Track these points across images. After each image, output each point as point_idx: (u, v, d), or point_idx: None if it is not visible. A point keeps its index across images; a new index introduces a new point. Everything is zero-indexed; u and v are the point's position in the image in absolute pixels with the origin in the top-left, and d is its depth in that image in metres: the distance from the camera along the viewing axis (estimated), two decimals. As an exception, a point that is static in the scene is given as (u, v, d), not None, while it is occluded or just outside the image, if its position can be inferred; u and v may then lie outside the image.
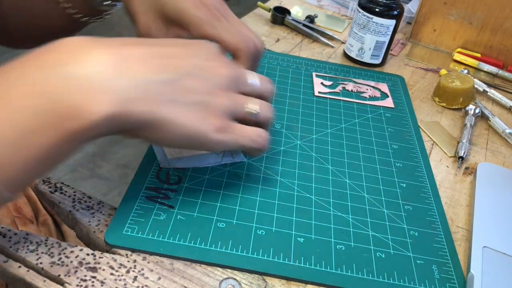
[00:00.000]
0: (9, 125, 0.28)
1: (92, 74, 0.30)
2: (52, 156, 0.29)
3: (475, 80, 0.66)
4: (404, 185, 0.46)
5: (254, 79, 0.39)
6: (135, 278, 0.34)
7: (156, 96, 0.32)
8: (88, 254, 0.35)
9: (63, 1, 0.46)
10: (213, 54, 0.38)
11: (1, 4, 0.47)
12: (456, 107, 0.61)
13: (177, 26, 0.42)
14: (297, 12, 0.81)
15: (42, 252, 0.34)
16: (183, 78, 0.34)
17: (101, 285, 0.33)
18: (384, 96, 0.61)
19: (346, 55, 0.70)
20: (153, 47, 0.35)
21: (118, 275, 0.34)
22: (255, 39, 0.42)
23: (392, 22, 0.64)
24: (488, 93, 0.65)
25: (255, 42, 0.42)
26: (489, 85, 0.68)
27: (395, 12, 0.64)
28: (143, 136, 0.33)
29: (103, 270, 0.34)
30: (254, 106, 0.37)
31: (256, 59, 0.43)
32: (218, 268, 0.36)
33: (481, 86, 0.66)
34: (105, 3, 0.47)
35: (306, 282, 0.36)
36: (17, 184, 0.29)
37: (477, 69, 0.72)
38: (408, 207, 0.44)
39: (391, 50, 0.74)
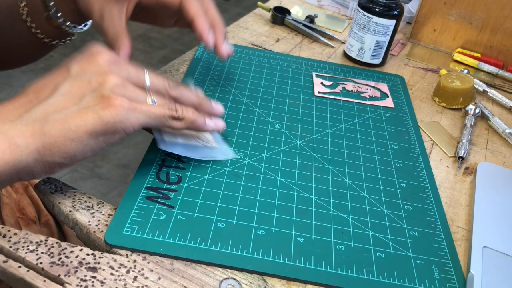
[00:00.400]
0: None
1: None
2: None
3: (475, 80, 0.66)
4: (404, 185, 0.46)
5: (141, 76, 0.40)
6: (135, 278, 0.34)
7: (37, 122, 0.34)
8: (88, 254, 0.35)
9: (29, 21, 0.48)
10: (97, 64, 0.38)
11: None
12: (456, 107, 0.61)
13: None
14: (297, 12, 0.81)
15: (42, 252, 0.34)
16: (56, 95, 0.35)
17: (101, 285, 0.33)
18: (384, 96, 0.61)
19: (346, 55, 0.70)
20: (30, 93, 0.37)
21: (118, 275, 0.34)
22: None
23: (392, 22, 0.64)
24: (488, 93, 0.65)
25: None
26: (489, 85, 0.68)
27: (395, 12, 0.64)
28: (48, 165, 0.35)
29: (103, 270, 0.34)
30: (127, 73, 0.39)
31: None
32: (218, 268, 0.36)
33: (481, 86, 0.66)
34: (66, 24, 0.49)
35: (306, 282, 0.36)
36: None
37: (477, 69, 0.72)
38: (408, 207, 0.44)
39: (391, 50, 0.74)
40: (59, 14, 0.47)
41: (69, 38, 0.51)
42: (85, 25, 0.51)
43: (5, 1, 0.47)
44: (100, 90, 0.35)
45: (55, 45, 0.52)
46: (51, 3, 0.46)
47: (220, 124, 0.43)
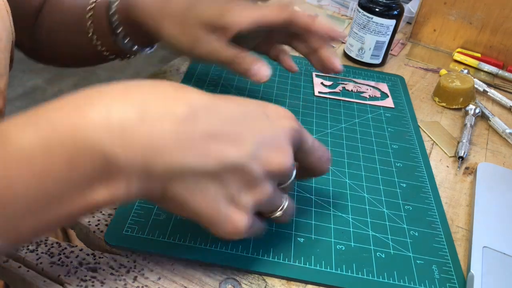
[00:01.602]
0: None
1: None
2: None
3: (475, 80, 0.66)
4: (404, 185, 0.46)
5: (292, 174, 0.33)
6: (135, 278, 0.34)
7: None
8: (88, 254, 0.35)
9: (95, 39, 0.47)
10: (279, 138, 0.30)
11: (42, 29, 0.50)
12: (456, 107, 0.61)
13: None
14: (297, 12, 0.81)
15: (42, 252, 0.34)
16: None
17: (101, 285, 0.33)
18: (384, 96, 0.61)
19: (346, 55, 0.70)
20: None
21: (118, 275, 0.34)
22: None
23: (392, 22, 0.64)
24: (488, 93, 0.65)
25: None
26: (489, 85, 0.68)
27: (395, 12, 0.64)
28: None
29: (103, 270, 0.34)
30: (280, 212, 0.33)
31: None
32: (218, 268, 0.36)
33: (481, 86, 0.66)
34: (133, 48, 0.48)
35: (306, 282, 0.36)
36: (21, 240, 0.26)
37: (477, 69, 0.72)
38: (408, 207, 0.44)
39: (391, 50, 0.74)
40: (126, 40, 0.47)
41: (133, 55, 0.51)
42: (151, 47, 0.51)
43: (73, 15, 0.47)
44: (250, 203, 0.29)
45: (114, 59, 0.51)
46: (119, 30, 0.45)
47: None
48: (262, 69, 0.44)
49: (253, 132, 0.28)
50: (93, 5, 0.47)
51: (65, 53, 0.53)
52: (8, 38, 0.38)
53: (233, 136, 0.27)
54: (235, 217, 0.29)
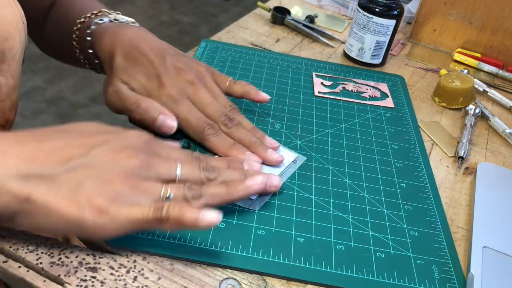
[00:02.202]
0: None
1: None
2: None
3: (475, 80, 0.66)
4: (404, 185, 0.46)
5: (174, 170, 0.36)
6: (135, 278, 0.34)
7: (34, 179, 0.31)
8: (88, 254, 0.35)
9: (78, 53, 0.52)
10: (131, 144, 0.35)
11: (46, 30, 0.57)
12: (456, 107, 0.61)
13: None
14: (297, 12, 0.81)
15: (42, 252, 0.34)
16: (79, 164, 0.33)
17: (101, 285, 0.33)
18: (384, 96, 0.61)
19: (346, 55, 0.70)
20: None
21: (118, 275, 0.34)
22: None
23: (392, 22, 0.64)
24: (488, 93, 0.65)
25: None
26: (489, 85, 0.68)
27: (395, 12, 0.64)
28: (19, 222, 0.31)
29: (103, 270, 0.34)
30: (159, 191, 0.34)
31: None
32: (218, 268, 0.36)
33: (481, 86, 0.66)
34: (93, 60, 0.52)
35: (306, 282, 0.36)
36: None
37: (477, 69, 0.72)
38: (408, 207, 0.44)
39: (391, 50, 0.74)
40: (96, 61, 0.51)
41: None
42: None
43: (66, 28, 0.52)
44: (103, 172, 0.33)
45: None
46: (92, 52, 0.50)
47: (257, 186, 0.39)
48: (166, 121, 0.43)
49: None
50: (79, 26, 0.51)
51: (61, 55, 0.59)
52: (22, 50, 0.40)
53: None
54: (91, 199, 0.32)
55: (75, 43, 0.51)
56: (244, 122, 0.47)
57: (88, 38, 0.49)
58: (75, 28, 0.51)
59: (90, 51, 0.50)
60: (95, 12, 0.51)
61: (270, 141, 0.46)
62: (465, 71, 0.67)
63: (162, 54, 0.47)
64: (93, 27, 0.49)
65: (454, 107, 0.61)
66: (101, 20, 0.49)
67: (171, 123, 0.43)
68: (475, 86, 0.65)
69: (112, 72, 0.46)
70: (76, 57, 0.53)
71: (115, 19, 0.50)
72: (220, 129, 0.45)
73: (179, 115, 0.44)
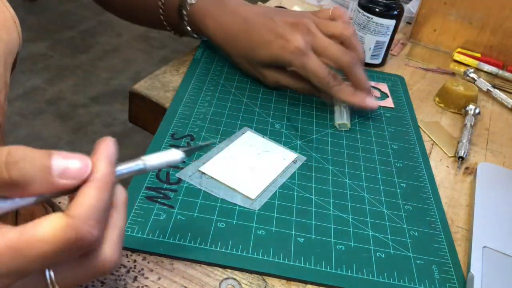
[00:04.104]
0: None
1: None
2: None
3: (479, 79, 0.67)
4: (404, 185, 0.46)
5: None
6: (135, 278, 0.34)
7: None
8: (88, 254, 0.35)
9: (164, 20, 0.57)
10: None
11: None
12: (453, 111, 0.61)
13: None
14: (297, 12, 0.81)
15: (42, 252, 0.34)
16: None
17: (101, 285, 0.33)
18: (384, 96, 0.61)
19: (346, 55, 0.70)
20: None
21: (118, 275, 0.34)
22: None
23: (392, 22, 0.64)
24: (492, 93, 0.65)
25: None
26: (493, 86, 0.68)
27: (395, 12, 0.64)
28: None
29: (103, 270, 0.34)
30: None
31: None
32: (218, 268, 0.36)
33: (485, 85, 0.66)
34: (194, 35, 0.58)
35: (306, 282, 0.36)
36: None
37: (477, 69, 0.72)
38: (408, 207, 0.44)
39: (391, 50, 0.74)
40: (194, 34, 0.57)
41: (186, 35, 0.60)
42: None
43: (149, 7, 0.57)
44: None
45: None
46: (186, 24, 0.55)
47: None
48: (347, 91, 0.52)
49: None
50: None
51: (131, 10, 0.61)
52: (10, 51, 0.38)
53: None
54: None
55: (160, 11, 0.55)
56: (359, 52, 0.52)
57: (185, 18, 0.54)
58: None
59: (189, 28, 0.55)
60: None
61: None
62: (471, 70, 0.68)
63: (270, 16, 0.52)
64: (187, 7, 0.53)
65: (451, 110, 0.61)
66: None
67: None
68: (478, 86, 0.66)
69: (238, 52, 0.54)
70: (158, 21, 0.57)
71: None
72: (341, 79, 0.51)
73: (309, 68, 0.50)
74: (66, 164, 0.24)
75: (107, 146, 0.26)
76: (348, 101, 0.51)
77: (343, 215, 0.42)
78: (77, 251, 0.24)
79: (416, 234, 0.41)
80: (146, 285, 0.33)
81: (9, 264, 0.22)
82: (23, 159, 0.23)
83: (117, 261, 0.26)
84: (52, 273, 0.24)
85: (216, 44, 0.55)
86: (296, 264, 0.37)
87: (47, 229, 0.22)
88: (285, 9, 0.55)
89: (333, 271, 0.37)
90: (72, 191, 0.25)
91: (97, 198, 0.24)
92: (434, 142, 0.55)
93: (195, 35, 0.58)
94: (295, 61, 0.50)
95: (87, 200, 0.24)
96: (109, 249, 0.26)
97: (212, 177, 0.43)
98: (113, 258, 0.26)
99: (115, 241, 0.26)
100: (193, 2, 0.53)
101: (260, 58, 0.52)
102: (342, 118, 0.53)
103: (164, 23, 0.58)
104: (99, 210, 0.24)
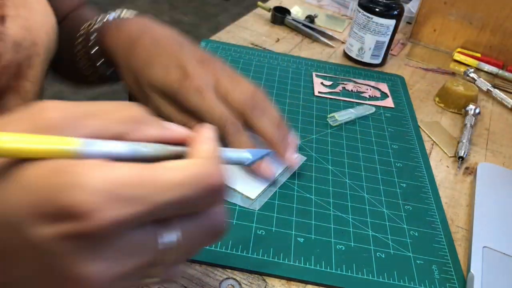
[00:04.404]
0: None
1: None
2: None
3: (479, 79, 0.67)
4: (404, 185, 0.46)
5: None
6: (135, 278, 0.34)
7: None
8: (88, 254, 0.35)
9: (82, 65, 0.49)
10: None
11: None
12: (453, 111, 0.61)
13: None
14: (297, 12, 0.81)
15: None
16: None
17: (101, 285, 0.33)
18: (384, 96, 0.61)
19: (346, 55, 0.70)
20: None
21: (118, 275, 0.34)
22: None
23: (392, 22, 0.64)
24: (492, 93, 0.65)
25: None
26: (493, 86, 0.68)
27: (395, 12, 0.64)
28: None
29: (103, 270, 0.34)
30: None
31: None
32: (218, 268, 0.36)
33: (485, 85, 0.66)
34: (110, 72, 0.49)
35: (306, 282, 0.36)
36: None
37: (477, 69, 0.72)
38: (408, 207, 0.44)
39: (391, 50, 0.74)
40: (105, 66, 0.48)
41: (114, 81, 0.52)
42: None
43: (71, 38, 0.49)
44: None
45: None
46: (99, 59, 0.47)
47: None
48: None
49: None
50: (80, 39, 0.48)
51: (64, 69, 0.55)
52: (48, 57, 0.40)
53: None
54: None
55: (80, 48, 0.48)
56: (270, 111, 0.43)
57: (92, 38, 0.46)
58: (78, 35, 0.48)
59: (95, 49, 0.46)
60: (95, 18, 0.48)
61: (291, 138, 0.44)
62: (471, 70, 0.68)
63: (179, 42, 0.44)
64: (96, 26, 0.46)
65: (451, 110, 0.61)
66: (104, 19, 0.47)
67: None
68: (478, 85, 0.66)
69: (133, 65, 0.43)
70: (78, 72, 0.50)
71: (118, 17, 0.47)
72: (241, 128, 0.42)
73: (203, 108, 0.41)
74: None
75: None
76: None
77: (343, 215, 0.42)
78: (207, 196, 0.21)
79: (416, 234, 0.41)
80: (146, 285, 0.33)
81: (136, 193, 0.19)
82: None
83: (226, 226, 0.24)
84: (179, 233, 0.22)
85: (113, 53, 0.45)
86: (296, 264, 0.37)
87: (178, 163, 0.21)
88: (197, 47, 0.45)
89: (333, 271, 0.36)
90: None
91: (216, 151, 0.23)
92: (434, 142, 0.55)
93: (102, 60, 0.48)
94: (192, 98, 0.41)
95: (211, 148, 0.23)
96: (219, 208, 0.23)
97: None
98: (224, 219, 0.24)
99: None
100: (103, 21, 0.46)
101: (152, 78, 0.42)
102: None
103: (81, 64, 0.49)
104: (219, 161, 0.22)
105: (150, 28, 0.44)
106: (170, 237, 0.21)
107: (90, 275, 0.19)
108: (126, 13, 0.48)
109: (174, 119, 0.42)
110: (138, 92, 0.44)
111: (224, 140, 0.41)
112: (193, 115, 0.42)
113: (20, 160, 0.19)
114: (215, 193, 0.22)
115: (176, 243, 0.21)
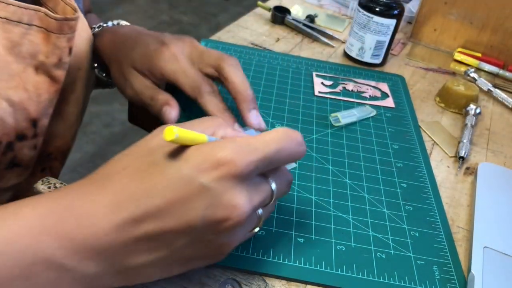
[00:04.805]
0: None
1: None
2: None
3: (480, 79, 0.67)
4: (405, 185, 0.46)
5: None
6: (134, 279, 0.33)
7: None
8: (87, 254, 0.35)
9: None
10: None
11: None
12: (454, 110, 0.61)
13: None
14: (297, 12, 0.81)
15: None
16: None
17: (101, 286, 0.33)
18: (384, 96, 0.61)
19: (346, 55, 0.70)
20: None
21: (118, 276, 0.33)
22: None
23: (393, 21, 0.64)
24: (493, 93, 0.65)
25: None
26: (494, 86, 0.68)
27: (396, 12, 0.64)
28: None
29: (103, 270, 0.34)
30: None
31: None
32: (218, 268, 0.35)
33: (485, 85, 0.66)
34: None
35: (306, 283, 0.36)
36: None
37: (478, 69, 0.72)
38: (408, 207, 0.44)
39: (392, 49, 0.74)
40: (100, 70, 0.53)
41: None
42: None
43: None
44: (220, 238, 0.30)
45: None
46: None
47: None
48: (167, 112, 0.43)
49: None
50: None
51: None
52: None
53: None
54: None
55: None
56: (241, 71, 0.45)
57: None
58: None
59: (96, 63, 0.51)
60: (93, 26, 0.52)
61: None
62: (472, 70, 0.68)
63: (161, 34, 0.48)
64: (93, 32, 0.50)
65: (452, 110, 0.61)
66: (101, 27, 0.52)
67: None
68: (479, 85, 0.66)
69: (117, 59, 0.47)
70: None
71: (112, 24, 0.52)
72: (216, 89, 0.44)
73: (179, 70, 0.43)
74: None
75: None
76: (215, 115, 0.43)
77: (343, 215, 0.42)
78: (295, 146, 0.32)
79: (417, 234, 0.41)
80: (146, 285, 0.33)
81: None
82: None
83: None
84: (274, 184, 0.31)
85: (102, 51, 0.49)
86: (296, 264, 0.36)
87: (270, 132, 0.32)
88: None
89: (333, 271, 0.36)
90: None
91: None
92: (434, 142, 0.55)
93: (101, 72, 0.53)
94: (168, 63, 0.44)
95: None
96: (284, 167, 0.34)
97: None
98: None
99: None
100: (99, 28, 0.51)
101: (134, 57, 0.45)
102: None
103: None
104: None
105: (137, 28, 0.50)
106: (272, 184, 0.31)
107: (241, 202, 0.28)
108: (121, 23, 0.53)
109: (146, 93, 0.45)
110: (119, 77, 0.47)
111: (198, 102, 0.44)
112: (167, 83, 0.46)
113: (181, 146, 0.29)
114: (299, 144, 0.32)
115: (276, 189, 0.32)
